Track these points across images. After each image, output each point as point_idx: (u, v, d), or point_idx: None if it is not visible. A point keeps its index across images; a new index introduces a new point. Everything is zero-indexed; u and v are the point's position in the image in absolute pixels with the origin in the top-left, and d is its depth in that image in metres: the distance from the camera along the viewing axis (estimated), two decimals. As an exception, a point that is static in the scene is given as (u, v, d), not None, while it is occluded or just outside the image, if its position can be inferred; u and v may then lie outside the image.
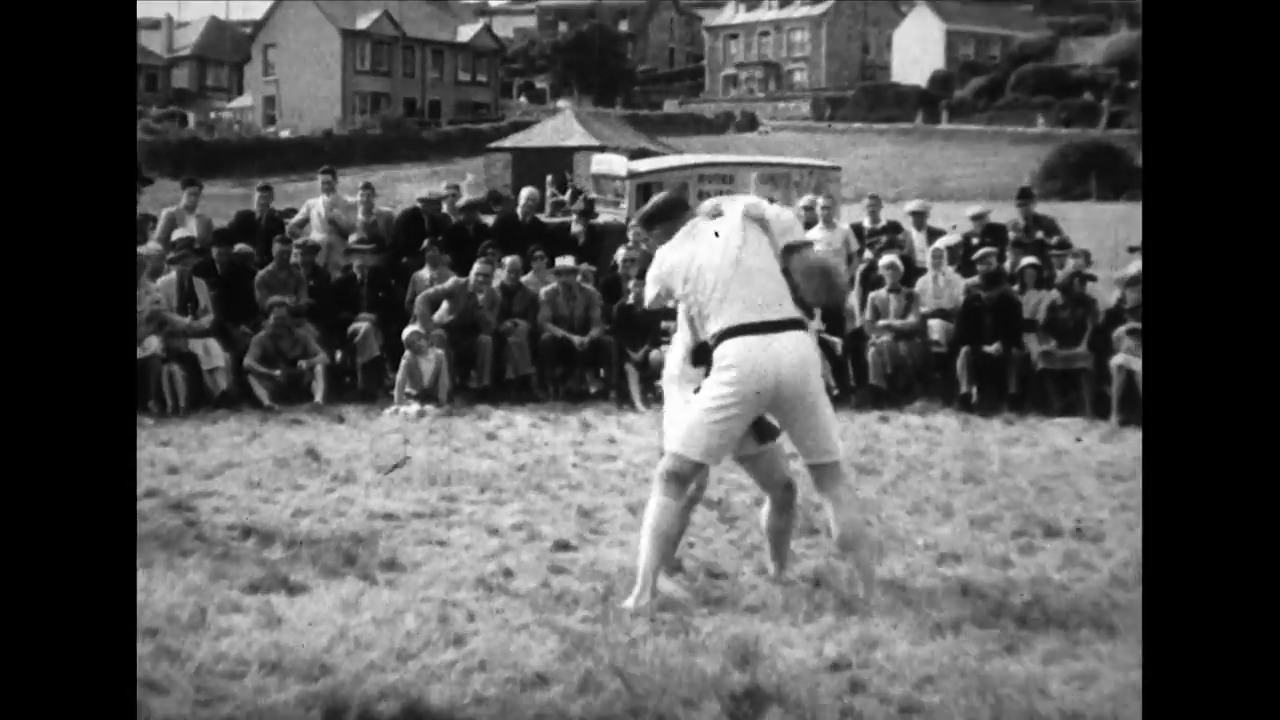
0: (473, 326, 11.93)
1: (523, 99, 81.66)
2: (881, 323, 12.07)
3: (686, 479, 5.59)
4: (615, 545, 6.69)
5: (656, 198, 5.98)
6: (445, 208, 14.07)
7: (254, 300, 12.00)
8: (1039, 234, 13.43)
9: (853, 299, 13.35)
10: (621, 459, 9.01)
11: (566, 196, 22.95)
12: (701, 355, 5.53)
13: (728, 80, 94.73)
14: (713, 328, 5.42)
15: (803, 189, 17.05)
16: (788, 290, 5.52)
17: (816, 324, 11.76)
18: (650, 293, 5.79)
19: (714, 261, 5.46)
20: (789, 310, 5.48)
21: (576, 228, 14.09)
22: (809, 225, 13.88)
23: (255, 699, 4.38)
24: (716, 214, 5.64)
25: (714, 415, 5.40)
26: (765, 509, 6.11)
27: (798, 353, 5.40)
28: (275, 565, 6.04)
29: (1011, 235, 13.63)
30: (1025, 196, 14.80)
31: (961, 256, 13.18)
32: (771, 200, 16.07)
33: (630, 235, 13.78)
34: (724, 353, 5.37)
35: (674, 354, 6.00)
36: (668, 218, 5.80)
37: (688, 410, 5.55)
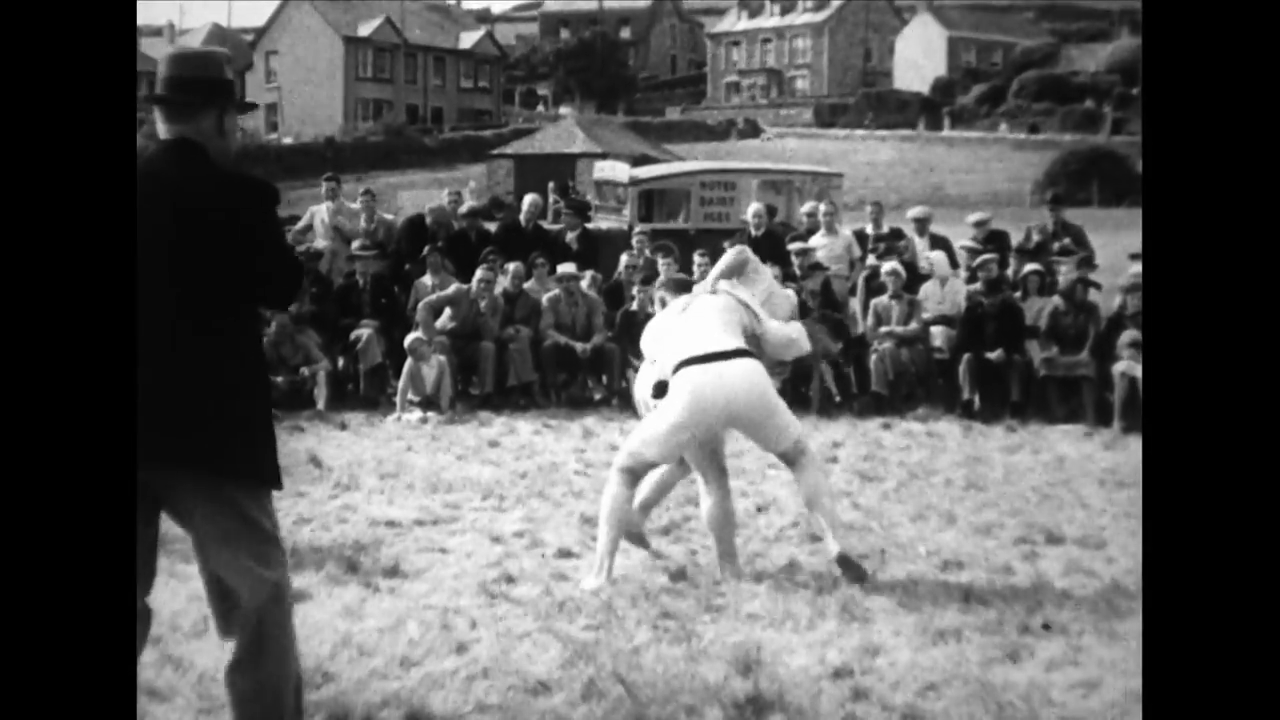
0: (475, 333, 11.94)
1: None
2: (884, 329, 12.08)
3: (640, 475, 6.30)
4: (618, 552, 6.68)
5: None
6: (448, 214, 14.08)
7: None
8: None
9: (855, 305, 13.37)
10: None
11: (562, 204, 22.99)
12: (660, 390, 6.29)
13: (730, 87, 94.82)
14: (669, 363, 6.23)
15: (805, 196, 17.05)
16: (735, 330, 6.34)
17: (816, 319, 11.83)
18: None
19: (666, 316, 6.52)
20: (735, 343, 6.25)
21: (570, 234, 14.09)
22: (811, 232, 13.92)
23: (258, 706, 4.38)
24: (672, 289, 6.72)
25: (670, 429, 6.10)
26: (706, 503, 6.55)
27: (747, 379, 6.12)
28: (278, 572, 6.04)
29: (1038, 238, 13.65)
30: (1056, 202, 14.83)
31: (966, 263, 13.20)
32: (774, 208, 16.18)
33: (634, 242, 13.80)
34: (675, 380, 6.15)
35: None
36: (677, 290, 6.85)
37: (650, 419, 6.30)
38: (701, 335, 6.22)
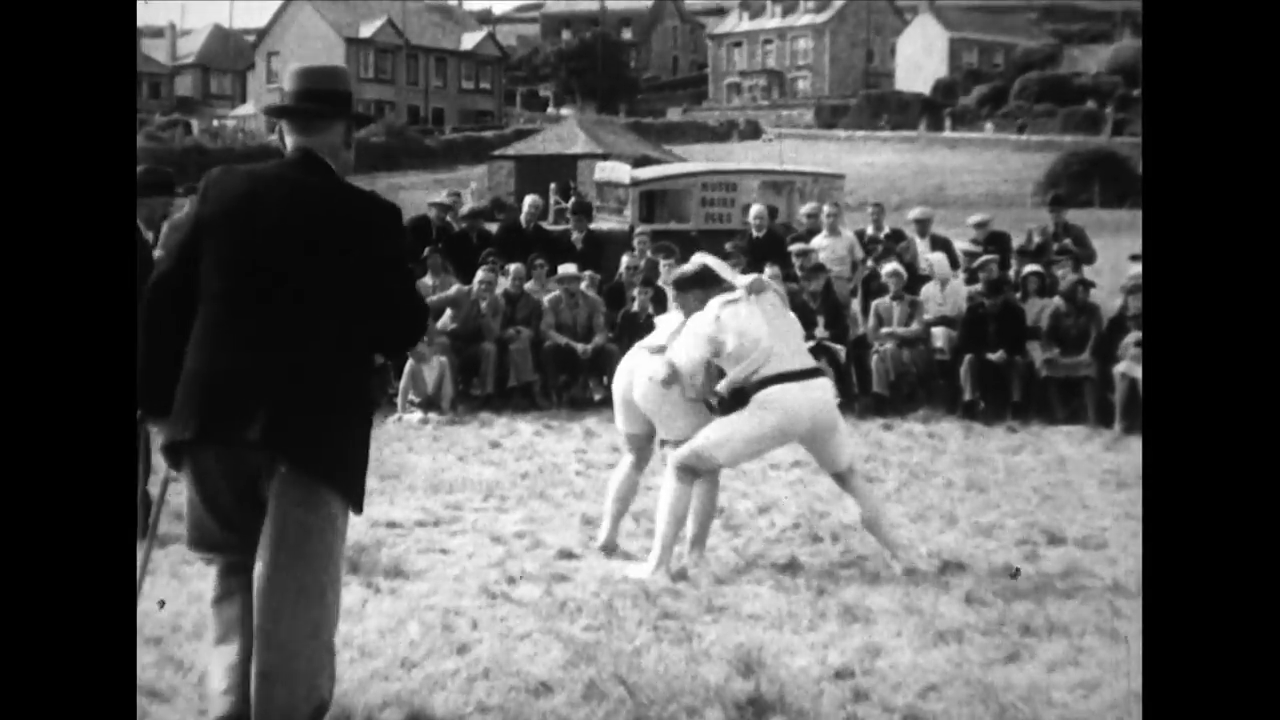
0: (476, 334, 11.94)
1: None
2: (885, 330, 12.07)
3: (699, 473, 6.38)
4: (619, 553, 6.69)
5: (689, 268, 6.77)
6: (449, 216, 14.06)
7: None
8: (1067, 241, 13.41)
9: (856, 306, 13.36)
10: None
11: (569, 204, 22.97)
12: (738, 399, 6.30)
13: (731, 88, 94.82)
14: (758, 374, 6.25)
15: (806, 197, 17.04)
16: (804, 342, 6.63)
17: (820, 331, 11.84)
18: (702, 350, 6.37)
19: (756, 326, 6.33)
20: (811, 361, 6.57)
21: (576, 234, 14.10)
22: (813, 233, 13.91)
23: (259, 707, 4.38)
24: (760, 289, 6.46)
25: (753, 439, 6.30)
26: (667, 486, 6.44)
27: (826, 396, 6.43)
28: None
29: (1039, 240, 13.63)
30: (1057, 203, 14.81)
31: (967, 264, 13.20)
32: (775, 209, 16.13)
33: (635, 243, 13.80)
34: (768, 396, 6.22)
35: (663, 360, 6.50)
36: (700, 284, 6.60)
37: (728, 424, 6.30)
38: (788, 350, 6.38)
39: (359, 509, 3.77)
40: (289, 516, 3.59)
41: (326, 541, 3.65)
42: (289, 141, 3.84)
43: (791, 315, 6.68)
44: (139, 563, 4.31)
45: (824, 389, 6.45)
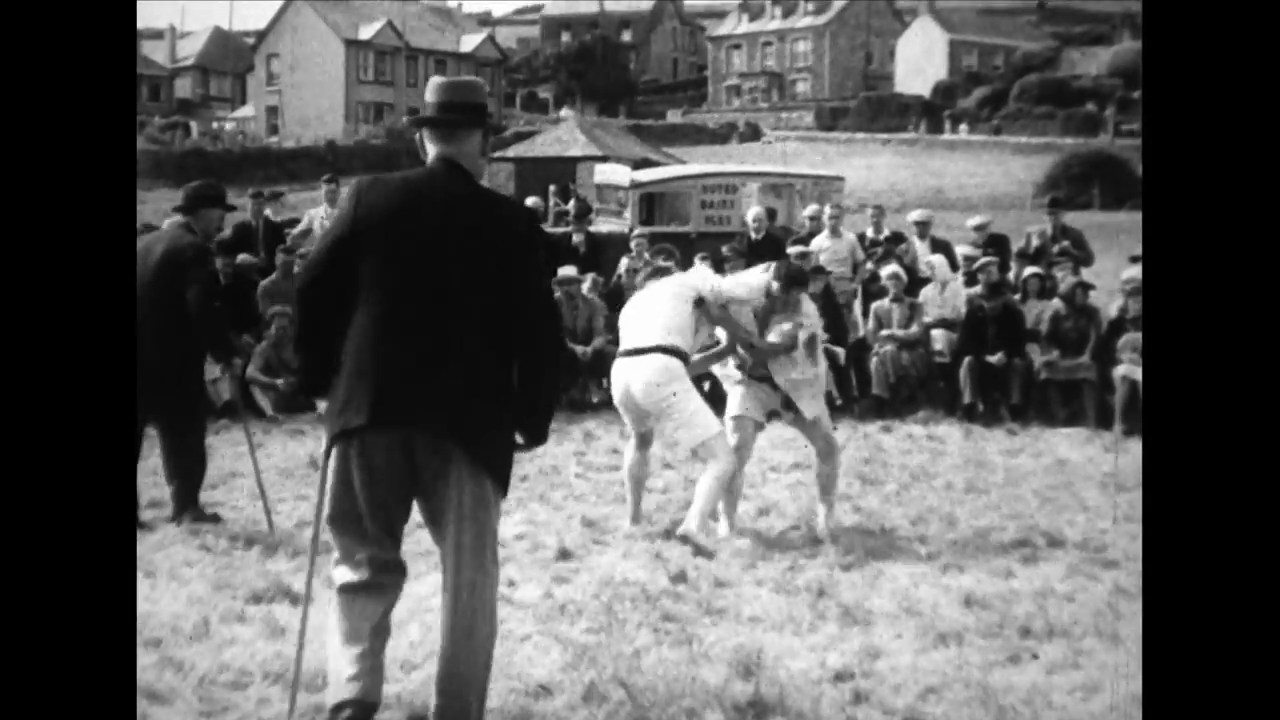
0: (476, 336, 11.91)
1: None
2: (884, 332, 12.07)
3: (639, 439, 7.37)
4: (619, 555, 6.68)
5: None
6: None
7: (257, 310, 12.01)
8: (1066, 243, 13.41)
9: (856, 309, 13.36)
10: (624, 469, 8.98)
11: (570, 206, 22.97)
12: None
13: (731, 90, 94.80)
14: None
15: (806, 199, 17.04)
16: (671, 325, 6.95)
17: (821, 334, 11.82)
18: None
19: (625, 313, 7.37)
20: (656, 340, 6.90)
21: (577, 237, 14.09)
22: (813, 234, 13.91)
23: (258, 709, 4.38)
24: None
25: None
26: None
27: (641, 374, 6.89)
28: (279, 575, 6.04)
29: (1037, 243, 13.63)
30: (1056, 205, 14.79)
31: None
32: (774, 211, 16.11)
33: (633, 245, 13.80)
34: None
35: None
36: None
37: None
38: (633, 332, 7.07)
39: (505, 492, 4.01)
40: (465, 496, 3.89)
41: (493, 521, 3.96)
42: (430, 150, 4.09)
43: (661, 303, 7.11)
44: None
45: (639, 366, 6.89)
